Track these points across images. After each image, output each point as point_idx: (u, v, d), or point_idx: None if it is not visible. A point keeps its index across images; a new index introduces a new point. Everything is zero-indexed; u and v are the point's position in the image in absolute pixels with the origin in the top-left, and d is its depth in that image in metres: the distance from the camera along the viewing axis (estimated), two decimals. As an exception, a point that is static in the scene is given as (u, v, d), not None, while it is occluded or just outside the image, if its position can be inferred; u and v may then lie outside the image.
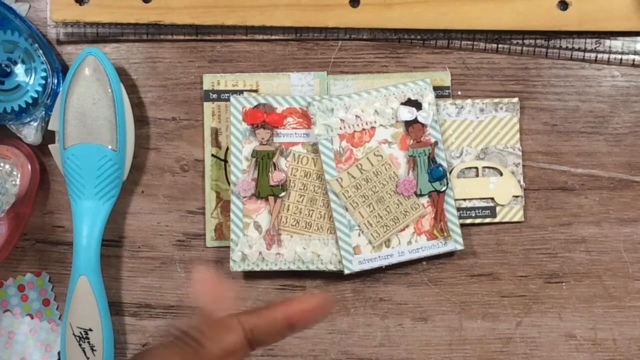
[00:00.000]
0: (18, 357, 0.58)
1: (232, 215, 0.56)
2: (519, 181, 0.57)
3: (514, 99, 0.58)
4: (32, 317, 0.58)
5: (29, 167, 0.57)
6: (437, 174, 0.56)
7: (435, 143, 0.56)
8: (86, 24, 0.58)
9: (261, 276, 0.58)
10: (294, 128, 0.57)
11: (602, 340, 0.57)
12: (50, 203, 0.59)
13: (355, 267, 0.56)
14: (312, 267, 0.56)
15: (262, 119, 0.56)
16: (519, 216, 0.57)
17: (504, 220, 0.57)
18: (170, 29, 0.58)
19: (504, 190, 0.57)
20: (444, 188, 0.56)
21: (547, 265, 0.58)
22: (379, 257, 0.56)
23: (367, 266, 0.56)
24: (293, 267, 0.56)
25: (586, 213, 0.58)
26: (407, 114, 0.56)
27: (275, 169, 0.56)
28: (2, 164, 0.57)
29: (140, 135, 0.59)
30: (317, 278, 0.58)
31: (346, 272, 0.55)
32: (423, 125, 0.56)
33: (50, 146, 0.57)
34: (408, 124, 0.57)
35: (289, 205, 0.56)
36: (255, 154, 0.56)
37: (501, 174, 0.57)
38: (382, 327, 0.58)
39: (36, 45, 0.57)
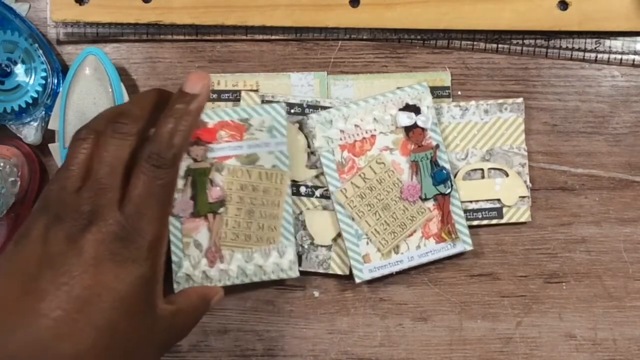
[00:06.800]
0: (18, 357, 0.58)
1: (171, 237, 0.54)
2: (525, 181, 0.57)
3: (518, 99, 0.57)
4: (32, 317, 0.58)
5: (29, 167, 0.57)
6: (441, 176, 0.56)
7: (437, 146, 0.56)
8: (86, 24, 0.58)
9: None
10: (226, 141, 0.55)
11: (602, 340, 0.57)
12: (50, 203, 0.59)
13: (366, 276, 0.55)
14: (256, 279, 0.55)
15: (197, 135, 0.55)
16: (525, 217, 0.57)
17: (510, 221, 0.57)
18: (170, 29, 0.58)
19: (510, 191, 0.57)
20: (448, 190, 0.56)
21: (547, 265, 0.58)
22: (389, 264, 0.55)
23: (377, 274, 0.55)
24: (237, 282, 0.55)
25: (586, 213, 0.58)
26: (406, 119, 0.56)
27: (212, 186, 0.55)
28: (2, 164, 0.57)
29: (140, 135, 0.58)
30: (317, 278, 0.58)
31: (357, 281, 0.55)
32: (423, 130, 0.56)
33: (51, 146, 0.56)
34: (408, 129, 0.56)
35: (227, 220, 0.55)
36: (190, 172, 0.55)
37: (507, 175, 0.57)
38: (382, 327, 0.58)
39: (36, 45, 0.56)
